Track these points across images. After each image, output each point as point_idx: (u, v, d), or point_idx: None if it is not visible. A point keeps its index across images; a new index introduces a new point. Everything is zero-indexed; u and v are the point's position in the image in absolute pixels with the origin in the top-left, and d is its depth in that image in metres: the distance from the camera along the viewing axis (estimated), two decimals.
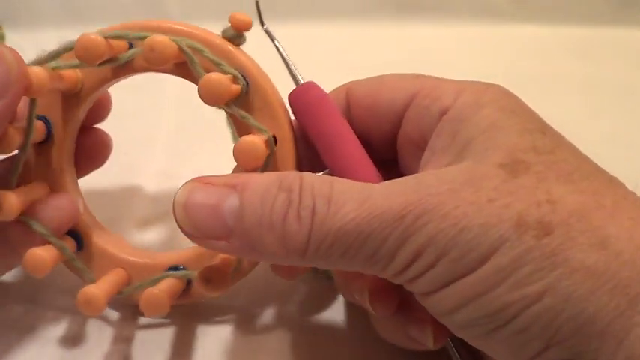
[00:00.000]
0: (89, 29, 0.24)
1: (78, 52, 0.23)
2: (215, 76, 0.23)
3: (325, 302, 0.30)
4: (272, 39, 0.28)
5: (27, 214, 0.26)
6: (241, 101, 0.25)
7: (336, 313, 0.29)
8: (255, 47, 0.27)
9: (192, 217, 0.21)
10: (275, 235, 0.20)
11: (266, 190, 0.21)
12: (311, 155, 0.27)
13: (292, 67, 0.27)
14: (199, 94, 0.23)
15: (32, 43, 0.55)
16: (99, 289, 0.25)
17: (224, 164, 0.40)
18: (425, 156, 0.24)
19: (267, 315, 0.29)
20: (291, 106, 0.26)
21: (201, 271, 0.25)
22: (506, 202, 0.19)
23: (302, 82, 0.26)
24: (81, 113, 0.27)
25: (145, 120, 0.44)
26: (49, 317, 0.29)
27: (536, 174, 0.20)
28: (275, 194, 0.20)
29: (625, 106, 0.49)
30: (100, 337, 0.28)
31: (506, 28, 0.59)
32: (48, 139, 0.27)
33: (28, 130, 0.25)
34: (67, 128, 0.27)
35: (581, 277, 0.18)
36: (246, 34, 0.26)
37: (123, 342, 0.28)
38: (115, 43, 0.25)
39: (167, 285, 0.26)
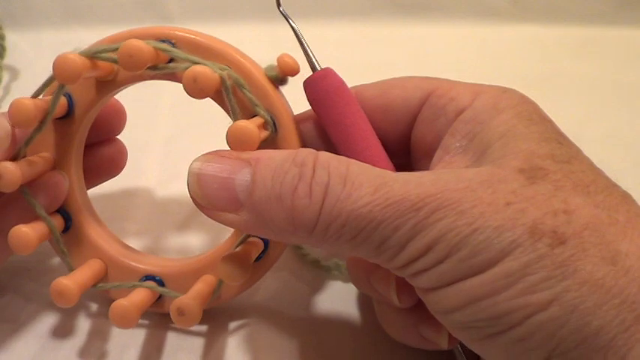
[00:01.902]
0: (89, 29, 0.24)
1: (121, 58, 0.23)
2: (244, 124, 0.22)
3: (329, 300, 0.30)
4: (289, 22, 0.26)
5: (27, 186, 0.26)
6: (265, 145, 0.25)
7: (339, 312, 0.29)
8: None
9: (203, 188, 0.21)
10: (284, 209, 0.20)
11: (279, 164, 0.21)
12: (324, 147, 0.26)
13: (310, 52, 0.26)
14: (227, 137, 0.22)
15: (32, 43, 0.55)
16: (72, 281, 0.25)
17: None
18: (437, 154, 0.24)
19: (269, 314, 0.29)
20: (306, 93, 0.26)
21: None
22: (523, 207, 0.19)
23: (319, 68, 0.26)
24: (107, 99, 0.27)
25: (144, 120, 0.44)
26: (31, 309, 0.29)
27: (554, 182, 0.20)
28: (287, 168, 0.20)
29: (625, 106, 0.49)
30: (80, 330, 0.28)
31: (506, 28, 0.59)
32: (67, 115, 0.27)
33: (50, 110, 0.25)
34: (89, 110, 0.27)
35: (589, 290, 0.18)
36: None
37: (113, 338, 0.28)
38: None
39: (138, 297, 0.26)
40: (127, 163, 0.33)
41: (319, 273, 0.31)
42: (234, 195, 0.21)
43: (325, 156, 0.21)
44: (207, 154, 0.22)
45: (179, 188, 0.37)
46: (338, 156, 0.21)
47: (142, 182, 0.38)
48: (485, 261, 0.19)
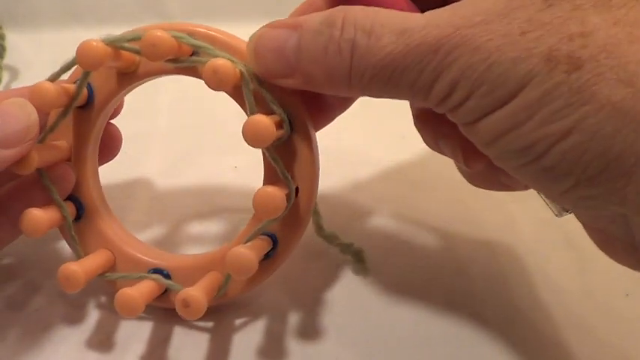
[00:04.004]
0: (89, 29, 0.24)
1: (144, 47, 0.23)
2: (259, 118, 0.23)
3: (338, 298, 0.30)
4: None
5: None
6: (280, 145, 0.25)
7: (348, 310, 0.29)
8: None
9: (261, 61, 0.23)
10: (321, 69, 0.22)
11: (317, 26, 0.22)
12: None
13: None
14: (243, 131, 0.23)
15: (32, 43, 0.55)
16: (80, 266, 0.26)
17: (224, 162, 0.40)
18: None
19: (275, 312, 0.29)
20: None
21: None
22: (538, 35, 0.19)
23: None
24: (127, 92, 0.28)
25: (144, 118, 0.44)
26: (39, 299, 0.29)
27: (573, 1, 0.20)
28: (321, 30, 0.22)
29: None
30: (88, 321, 0.28)
31: None
32: (86, 105, 0.27)
33: (74, 96, 0.26)
34: (108, 101, 0.27)
35: (607, 115, 0.18)
36: None
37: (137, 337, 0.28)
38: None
39: (145, 287, 0.26)
40: (126, 161, 0.33)
41: (328, 270, 0.31)
42: (288, 61, 0.22)
43: (353, 11, 0.22)
44: (261, 28, 0.23)
45: (188, 181, 0.37)
46: (366, 8, 0.22)
47: (148, 174, 0.38)
48: (505, 94, 0.19)
